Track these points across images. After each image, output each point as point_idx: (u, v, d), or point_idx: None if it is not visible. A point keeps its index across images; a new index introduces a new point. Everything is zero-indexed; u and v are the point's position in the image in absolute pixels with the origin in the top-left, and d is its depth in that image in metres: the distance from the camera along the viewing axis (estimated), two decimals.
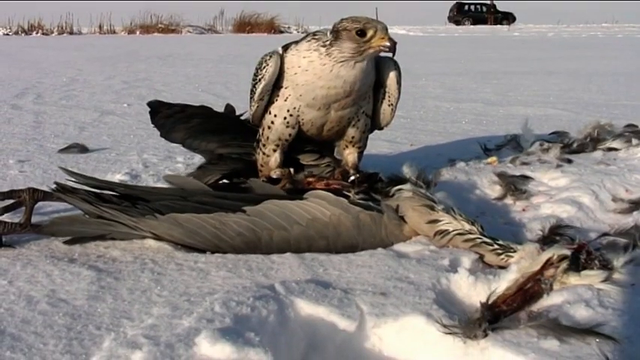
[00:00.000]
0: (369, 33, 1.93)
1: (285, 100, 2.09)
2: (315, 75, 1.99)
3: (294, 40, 2.12)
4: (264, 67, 2.05)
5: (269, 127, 2.15)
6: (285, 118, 2.11)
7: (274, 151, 2.16)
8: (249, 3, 21.01)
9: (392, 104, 2.19)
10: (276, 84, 2.08)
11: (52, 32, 16.57)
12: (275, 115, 2.12)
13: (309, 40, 2.02)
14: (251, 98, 2.14)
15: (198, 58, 9.68)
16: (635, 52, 12.45)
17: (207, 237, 1.80)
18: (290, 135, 2.14)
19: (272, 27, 18.83)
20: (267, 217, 1.81)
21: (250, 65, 2.14)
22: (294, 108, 2.08)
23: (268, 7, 20.06)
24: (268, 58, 2.06)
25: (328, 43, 1.96)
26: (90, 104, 4.93)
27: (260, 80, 2.07)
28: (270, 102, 2.12)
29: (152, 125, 2.54)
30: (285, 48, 2.08)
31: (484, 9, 35.21)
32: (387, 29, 1.96)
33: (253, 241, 1.80)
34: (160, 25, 18.10)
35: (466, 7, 35.53)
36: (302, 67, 2.01)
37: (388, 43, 1.95)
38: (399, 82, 2.15)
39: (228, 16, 19.28)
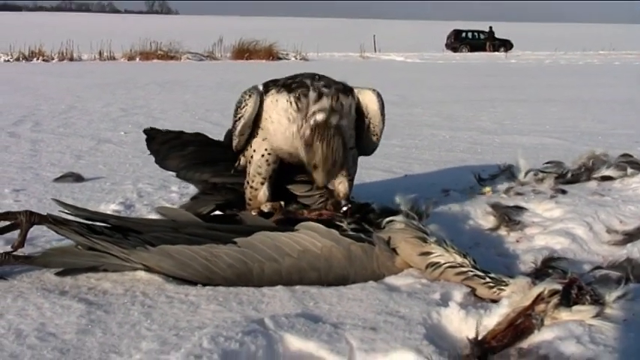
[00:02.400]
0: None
1: (263, 140, 2.11)
2: (285, 132, 2.02)
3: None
4: (244, 107, 2.07)
5: (249, 162, 2.17)
6: (263, 155, 2.13)
7: (262, 184, 2.17)
8: (247, 30, 21.19)
9: (376, 134, 2.19)
10: (255, 121, 2.10)
11: (53, 59, 16.64)
12: (254, 150, 2.14)
13: (290, 101, 2.00)
14: (232, 132, 2.17)
15: (197, 85, 9.72)
16: (631, 79, 12.54)
17: (199, 269, 1.80)
18: (273, 170, 2.15)
19: (270, 54, 18.92)
20: (259, 249, 1.81)
21: None
22: (272, 147, 2.11)
23: (266, 35, 20.20)
24: (247, 97, 2.07)
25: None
26: (87, 132, 4.95)
27: (240, 119, 2.10)
28: (251, 135, 2.14)
29: (148, 152, 2.54)
30: (267, 88, 2.08)
31: (481, 36, 35.48)
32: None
33: (244, 273, 1.80)
34: (159, 52, 18.18)
35: (463, 34, 35.81)
36: (275, 120, 2.04)
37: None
38: (382, 114, 2.15)
39: (227, 44, 19.37)
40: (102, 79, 10.67)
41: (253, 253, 1.81)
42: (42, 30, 26.08)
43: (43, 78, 10.69)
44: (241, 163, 2.26)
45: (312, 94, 1.97)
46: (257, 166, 2.15)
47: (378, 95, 2.14)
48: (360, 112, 2.11)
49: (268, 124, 2.06)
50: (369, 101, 2.13)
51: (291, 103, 1.98)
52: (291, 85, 2.03)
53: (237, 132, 2.13)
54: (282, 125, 2.01)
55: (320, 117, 1.96)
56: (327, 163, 1.97)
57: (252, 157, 2.15)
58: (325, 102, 1.97)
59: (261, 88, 2.09)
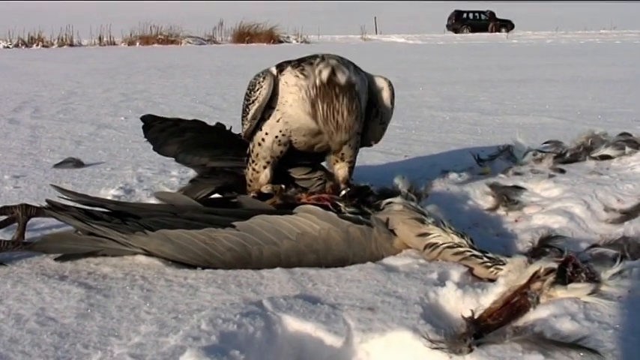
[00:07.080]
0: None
1: (277, 122, 2.08)
2: (302, 111, 1.98)
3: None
4: (258, 89, 2.04)
5: (259, 144, 2.15)
6: (276, 136, 2.11)
7: (264, 167, 2.16)
8: (248, 13, 21.10)
9: (384, 123, 2.18)
10: (269, 103, 2.06)
11: (53, 44, 16.62)
12: (266, 133, 2.12)
13: (297, 75, 1.97)
14: (243, 117, 2.14)
15: (197, 69, 9.71)
16: (632, 58, 12.47)
17: (198, 252, 1.81)
18: (281, 152, 2.14)
19: (271, 37, 18.87)
20: (257, 232, 1.82)
21: (248, 76, 2.14)
22: (286, 129, 2.08)
23: (267, 18, 20.12)
24: (262, 80, 2.03)
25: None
26: (87, 118, 4.95)
27: (253, 102, 2.06)
28: (262, 119, 2.11)
29: (145, 140, 2.55)
30: (280, 69, 2.05)
31: (482, 17, 35.31)
32: None
33: (243, 256, 1.81)
34: (159, 36, 18.14)
35: (465, 15, 35.64)
36: (289, 102, 2.01)
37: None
38: (392, 103, 2.13)
39: (227, 27, 19.34)
40: (102, 64, 10.65)
41: (252, 236, 1.81)
42: (41, 15, 26.00)
43: (43, 64, 10.68)
44: (250, 147, 2.23)
45: (318, 60, 1.94)
46: (267, 148, 2.13)
47: (390, 84, 2.12)
48: (369, 100, 2.08)
49: (287, 108, 2.03)
50: (380, 88, 2.10)
51: (297, 75, 1.96)
52: (299, 63, 1.99)
53: (249, 116, 2.09)
54: (297, 102, 1.97)
55: (325, 74, 1.89)
56: (329, 125, 1.89)
57: (262, 139, 2.13)
58: (330, 61, 1.93)
59: (274, 70, 2.05)
